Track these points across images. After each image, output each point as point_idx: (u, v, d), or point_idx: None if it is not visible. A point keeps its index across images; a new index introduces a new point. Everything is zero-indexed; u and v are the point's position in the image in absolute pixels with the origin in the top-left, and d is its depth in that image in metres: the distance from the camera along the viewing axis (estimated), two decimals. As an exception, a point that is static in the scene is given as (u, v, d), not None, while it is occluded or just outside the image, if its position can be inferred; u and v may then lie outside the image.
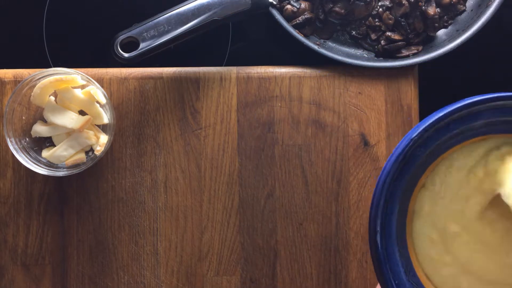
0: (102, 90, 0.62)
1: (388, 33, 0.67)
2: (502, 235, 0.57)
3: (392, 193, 0.55)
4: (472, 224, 0.58)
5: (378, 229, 0.54)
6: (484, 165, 0.58)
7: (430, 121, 0.55)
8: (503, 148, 0.58)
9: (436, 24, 0.67)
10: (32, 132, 0.63)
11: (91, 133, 0.62)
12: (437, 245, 0.57)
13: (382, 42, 0.67)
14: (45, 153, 0.62)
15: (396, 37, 0.67)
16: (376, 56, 0.68)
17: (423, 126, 0.54)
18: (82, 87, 0.63)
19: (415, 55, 0.67)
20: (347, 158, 0.66)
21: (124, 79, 0.65)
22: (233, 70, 0.66)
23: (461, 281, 0.57)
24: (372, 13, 0.67)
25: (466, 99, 0.55)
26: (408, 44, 0.67)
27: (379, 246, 0.54)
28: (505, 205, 0.55)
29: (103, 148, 0.61)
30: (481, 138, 0.58)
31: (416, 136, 0.54)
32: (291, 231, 0.65)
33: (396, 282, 0.55)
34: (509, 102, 0.56)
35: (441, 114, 0.55)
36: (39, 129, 0.62)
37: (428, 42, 0.68)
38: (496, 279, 0.57)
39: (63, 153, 0.62)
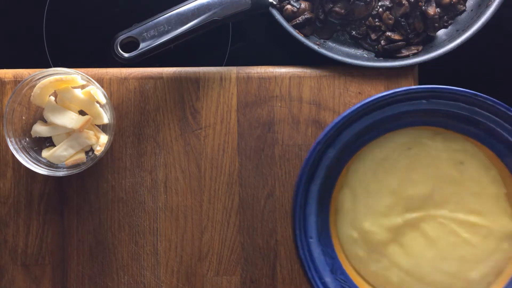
0: (102, 90, 0.62)
1: (388, 33, 0.67)
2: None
3: (308, 196, 0.57)
4: (385, 222, 0.59)
5: (297, 232, 0.57)
6: (392, 163, 0.59)
7: (334, 123, 0.56)
8: (414, 149, 0.59)
9: (436, 24, 0.67)
10: (32, 132, 0.62)
11: (91, 133, 0.62)
12: (360, 243, 0.59)
13: (382, 42, 0.67)
14: (45, 153, 0.62)
15: (396, 37, 0.67)
16: (376, 56, 0.68)
17: (328, 128, 0.56)
18: (82, 87, 0.63)
19: (415, 55, 0.67)
20: (347, 158, 0.66)
21: (124, 79, 0.65)
22: (233, 70, 0.66)
23: (391, 275, 0.59)
24: (372, 13, 0.67)
25: (368, 98, 0.57)
26: (408, 44, 0.67)
27: (299, 247, 0.57)
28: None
29: (103, 148, 0.61)
30: (391, 134, 0.60)
31: (322, 138, 0.56)
32: (291, 231, 0.65)
33: (322, 281, 0.57)
34: (410, 95, 0.57)
35: (343, 115, 0.56)
36: (39, 129, 0.62)
37: (428, 42, 0.68)
38: (424, 275, 0.58)
39: (63, 153, 0.62)
